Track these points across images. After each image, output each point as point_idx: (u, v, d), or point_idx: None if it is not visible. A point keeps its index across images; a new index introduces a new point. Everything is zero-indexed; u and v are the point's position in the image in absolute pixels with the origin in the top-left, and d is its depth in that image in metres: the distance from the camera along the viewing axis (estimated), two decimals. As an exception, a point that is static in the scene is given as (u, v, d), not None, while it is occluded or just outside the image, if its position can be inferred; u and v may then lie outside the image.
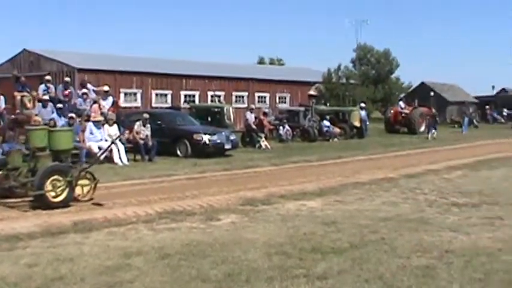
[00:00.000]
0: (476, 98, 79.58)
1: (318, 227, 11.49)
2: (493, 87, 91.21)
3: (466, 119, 54.86)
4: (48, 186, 13.38)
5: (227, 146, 27.68)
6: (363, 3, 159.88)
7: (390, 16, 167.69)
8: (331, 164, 24.79)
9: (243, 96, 54.16)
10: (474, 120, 63.28)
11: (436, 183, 18.38)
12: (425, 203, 14.58)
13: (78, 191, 14.16)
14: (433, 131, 43.98)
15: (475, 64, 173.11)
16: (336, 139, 39.93)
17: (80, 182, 14.18)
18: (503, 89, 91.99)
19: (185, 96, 49.95)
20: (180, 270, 8.49)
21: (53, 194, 13.43)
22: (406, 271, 8.48)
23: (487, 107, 76.17)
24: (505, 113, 73.39)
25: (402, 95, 74.00)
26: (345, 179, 19.09)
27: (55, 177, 13.51)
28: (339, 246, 9.93)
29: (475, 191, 16.44)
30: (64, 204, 13.54)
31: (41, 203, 13.34)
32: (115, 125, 24.71)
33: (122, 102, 41.20)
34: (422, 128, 49.24)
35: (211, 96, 48.39)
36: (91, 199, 14.28)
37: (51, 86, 27.43)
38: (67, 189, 13.62)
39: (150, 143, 24.99)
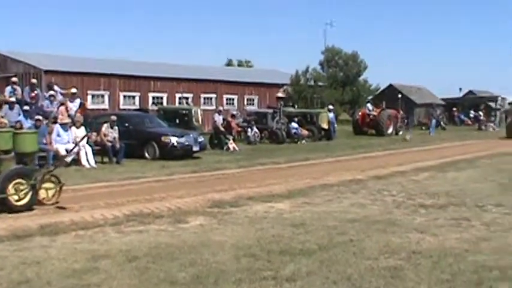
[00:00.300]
0: (444, 100, 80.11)
1: (286, 229, 11.48)
2: (460, 89, 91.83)
3: (434, 121, 55.29)
4: (10, 189, 13.20)
5: (195, 148, 27.63)
6: (331, 5, 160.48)
7: (358, 18, 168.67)
8: (299, 166, 24.83)
9: (211, 98, 54.20)
10: (441, 122, 63.73)
11: (404, 184, 18.46)
12: (393, 205, 14.62)
13: (42, 194, 13.97)
14: (408, 131, 45.39)
15: (443, 66, 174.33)
16: (304, 141, 40.06)
17: (44, 185, 14.00)
18: (470, 91, 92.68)
19: (153, 98, 49.88)
20: (148, 273, 8.44)
21: (15, 197, 13.27)
22: (374, 272, 8.50)
23: (454, 109, 76.78)
24: (471, 115, 73.93)
25: (370, 97, 74.21)
26: (313, 181, 19.10)
27: (18, 180, 13.34)
28: (307, 248, 9.93)
29: (442, 193, 16.52)
30: (27, 207, 13.37)
31: (4, 207, 13.15)
32: (82, 127, 24.51)
33: (90, 104, 41.05)
34: (390, 130, 49.59)
35: (180, 98, 48.36)
36: (56, 202, 14.14)
37: (18, 88, 27.11)
38: (30, 193, 13.45)
39: (117, 145, 24.88)
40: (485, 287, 7.99)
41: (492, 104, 75.37)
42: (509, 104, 48.96)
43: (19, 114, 24.67)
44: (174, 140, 26.70)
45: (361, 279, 8.19)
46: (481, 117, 67.48)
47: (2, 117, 23.61)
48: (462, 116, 75.54)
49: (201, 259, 9.14)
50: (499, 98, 76.34)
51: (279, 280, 8.11)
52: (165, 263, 8.94)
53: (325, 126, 43.27)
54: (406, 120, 50.24)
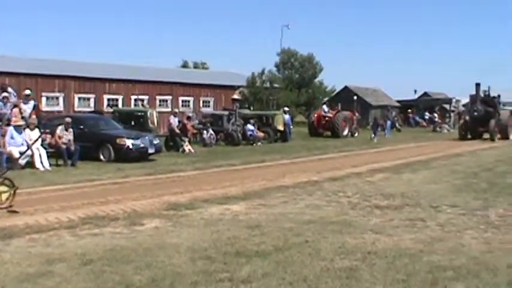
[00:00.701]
0: (399, 101, 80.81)
1: (242, 231, 11.48)
2: (415, 91, 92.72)
3: (389, 123, 55.70)
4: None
5: (151, 151, 27.54)
6: (288, 7, 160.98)
7: (315, 21, 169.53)
8: (255, 167, 24.86)
9: (166, 100, 54.14)
10: (397, 124, 64.28)
11: (359, 186, 18.56)
12: (348, 206, 14.68)
13: (-4, 197, 13.83)
14: (375, 133, 46.20)
15: (398, 68, 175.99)
16: (259, 143, 40.11)
17: (-4, 189, 13.86)
18: (425, 93, 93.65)
19: (108, 100, 49.72)
20: (104, 276, 8.38)
21: (-31, 201, 13.13)
22: (330, 273, 8.53)
23: (409, 110, 77.55)
24: (426, 117, 74.70)
25: (326, 99, 74.61)
26: (269, 183, 19.13)
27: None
28: (263, 249, 9.94)
29: (398, 194, 16.64)
30: (-21, 212, 13.23)
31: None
32: (36, 130, 24.24)
33: (44, 106, 40.87)
34: (346, 132, 49.91)
35: (135, 100, 48.21)
36: (10, 206, 13.95)
37: (-30, 90, 26.77)
38: (-17, 196, 13.32)
39: (72, 148, 24.63)
40: (440, 286, 8.06)
41: (447, 106, 76.28)
42: (463, 105, 49.54)
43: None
44: (129, 142, 26.58)
45: (317, 280, 8.22)
46: (436, 119, 68.21)
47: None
48: (417, 118, 76.37)
49: (157, 262, 9.10)
50: (454, 100, 77.34)
51: (235, 282, 8.11)
52: (120, 266, 8.88)
53: (280, 128, 43.40)
54: (376, 122, 51.10)
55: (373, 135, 47.55)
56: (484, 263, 9.19)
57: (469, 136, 47.74)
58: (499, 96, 51.22)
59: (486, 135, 46.95)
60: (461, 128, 49.61)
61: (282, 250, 9.88)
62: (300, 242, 10.52)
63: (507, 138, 47.27)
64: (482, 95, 49.41)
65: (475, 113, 47.55)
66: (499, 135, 46.77)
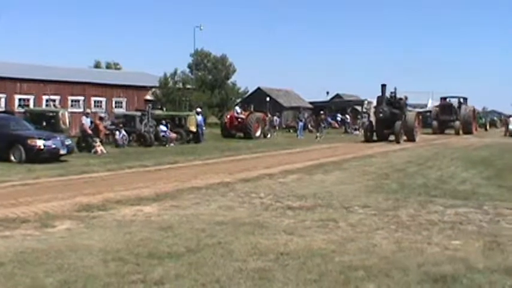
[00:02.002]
0: (311, 103, 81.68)
1: (155, 232, 11.45)
2: (328, 92, 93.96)
3: (301, 124, 56.15)
4: None
5: (62, 151, 27.19)
6: (201, 8, 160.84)
7: (227, 22, 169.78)
8: (167, 169, 24.76)
9: (78, 101, 53.49)
10: (309, 125, 64.88)
11: (272, 187, 18.67)
12: (261, 207, 14.76)
13: None
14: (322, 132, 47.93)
15: (311, 70, 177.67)
16: (172, 144, 40.05)
17: None
18: (337, 95, 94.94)
19: (19, 100, 48.85)
20: (15, 278, 8.26)
21: None
22: (242, 274, 8.57)
23: (322, 112, 78.38)
24: (338, 118, 75.65)
25: (238, 100, 74.95)
26: (181, 184, 19.09)
27: None
28: (176, 251, 9.93)
29: (310, 195, 16.79)
30: None
31: None
32: None
33: (-48, 106, 39.85)
34: (258, 133, 50.09)
35: (47, 100, 47.53)
36: None
37: None
38: None
39: (-19, 149, 24.20)
40: (352, 286, 8.18)
41: (359, 108, 77.34)
42: (374, 107, 49.88)
43: None
44: (40, 143, 26.23)
45: (230, 281, 8.25)
46: (348, 121, 69.15)
47: None
48: (329, 119, 77.23)
49: (69, 264, 9.00)
50: (366, 102, 78.35)
51: (148, 284, 8.09)
52: (31, 268, 8.75)
53: (193, 129, 43.40)
54: (322, 123, 52.53)
55: (318, 134, 49.37)
56: (395, 262, 9.37)
57: (375, 138, 47.81)
58: (406, 97, 51.27)
59: (392, 137, 47.01)
60: (366, 129, 49.93)
61: (194, 251, 9.89)
62: (212, 243, 10.54)
63: (413, 140, 47.73)
64: (388, 96, 49.39)
65: (381, 115, 47.71)
66: (405, 137, 47.01)
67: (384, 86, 48.63)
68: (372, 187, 18.84)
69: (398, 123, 46.34)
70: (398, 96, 50.52)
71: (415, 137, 48.52)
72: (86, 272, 8.61)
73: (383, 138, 47.81)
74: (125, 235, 11.23)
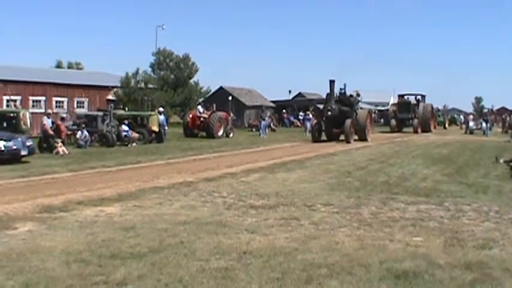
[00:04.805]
0: (274, 102, 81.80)
1: (117, 233, 11.38)
2: (290, 91, 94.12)
3: (264, 123, 56.17)
4: None
5: (23, 152, 26.89)
6: (163, 7, 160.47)
7: (190, 21, 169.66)
8: (129, 169, 24.64)
9: (40, 101, 53.04)
10: (271, 124, 64.94)
11: (234, 186, 18.66)
12: (223, 206, 14.75)
13: None
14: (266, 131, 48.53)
15: (273, 69, 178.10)
16: (134, 144, 39.83)
17: None
18: (300, 93, 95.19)
19: (-21, 100, 48.34)
20: (-26, 282, 8.16)
21: None
22: (205, 273, 8.56)
23: (284, 110, 78.60)
24: (301, 117, 75.82)
25: (201, 100, 74.86)
26: (144, 184, 19.01)
27: None
28: (138, 251, 9.89)
29: (272, 193, 16.83)
30: None
31: None
32: None
33: None
34: (221, 132, 49.97)
35: (7, 100, 47.09)
36: None
37: None
38: None
39: None
40: (315, 284, 8.21)
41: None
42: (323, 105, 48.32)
43: None
44: (1, 144, 25.92)
45: (193, 280, 8.23)
46: (310, 119, 69.34)
47: None
48: (292, 118, 77.48)
49: (30, 266, 8.92)
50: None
51: (111, 284, 8.05)
52: (-9, 271, 8.67)
53: (155, 128, 43.19)
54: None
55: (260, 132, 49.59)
56: (357, 259, 9.42)
57: (325, 138, 45.85)
58: (358, 94, 49.26)
59: (342, 137, 44.11)
60: (313, 129, 47.15)
61: (157, 251, 9.85)
62: (175, 243, 10.51)
63: (365, 140, 45.20)
64: (338, 93, 46.99)
65: (329, 113, 44.90)
66: (356, 137, 45.03)
67: (332, 82, 45.81)
68: (334, 185, 18.92)
69: (348, 122, 43.65)
70: (349, 93, 48.36)
71: (366, 137, 45.84)
72: (47, 274, 8.54)
73: (332, 138, 45.47)
74: (87, 236, 11.15)
